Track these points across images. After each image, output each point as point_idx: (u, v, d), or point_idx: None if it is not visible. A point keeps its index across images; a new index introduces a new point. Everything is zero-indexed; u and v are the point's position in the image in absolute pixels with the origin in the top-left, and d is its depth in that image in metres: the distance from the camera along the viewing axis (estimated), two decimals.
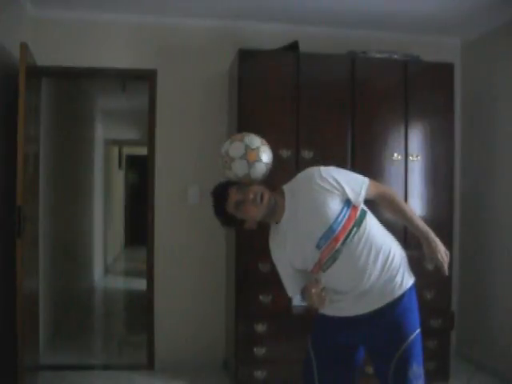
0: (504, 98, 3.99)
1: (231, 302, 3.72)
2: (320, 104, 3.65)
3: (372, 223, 2.17)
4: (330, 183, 2.09)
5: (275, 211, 2.15)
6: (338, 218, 2.07)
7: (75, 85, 5.75)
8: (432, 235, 2.10)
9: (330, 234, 2.07)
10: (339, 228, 2.07)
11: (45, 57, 3.76)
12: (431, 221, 2.25)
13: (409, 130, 3.73)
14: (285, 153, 3.57)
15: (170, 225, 4.09)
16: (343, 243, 2.08)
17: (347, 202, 2.11)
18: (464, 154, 4.41)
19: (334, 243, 2.07)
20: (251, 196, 2.09)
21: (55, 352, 4.35)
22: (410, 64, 3.78)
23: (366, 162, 3.68)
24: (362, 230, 2.10)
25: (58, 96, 4.95)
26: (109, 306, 6.83)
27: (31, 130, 3.46)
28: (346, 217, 2.08)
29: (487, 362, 4.05)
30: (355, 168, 3.64)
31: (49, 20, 3.91)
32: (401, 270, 2.14)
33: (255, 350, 3.53)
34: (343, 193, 2.09)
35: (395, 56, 3.82)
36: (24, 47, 3.23)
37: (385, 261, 2.11)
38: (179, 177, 4.11)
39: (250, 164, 2.12)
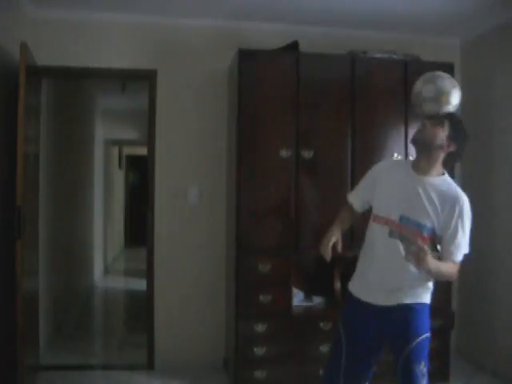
0: (504, 97, 3.99)
1: (231, 302, 3.72)
2: (320, 104, 3.65)
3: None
4: (455, 219, 2.21)
5: (424, 161, 2.28)
6: (422, 224, 2.22)
7: (75, 85, 5.75)
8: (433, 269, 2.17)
9: (407, 223, 2.23)
10: (412, 228, 2.22)
11: (45, 57, 3.76)
12: None
13: (409, 130, 3.73)
14: (285, 153, 3.58)
15: (170, 225, 4.09)
16: (401, 237, 2.23)
17: (433, 230, 2.23)
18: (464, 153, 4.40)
19: (399, 229, 2.24)
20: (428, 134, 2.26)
21: (55, 352, 4.35)
22: (409, 64, 3.78)
23: (366, 162, 3.64)
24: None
25: (58, 96, 4.95)
26: (109, 306, 6.83)
27: (31, 130, 3.46)
28: (424, 234, 2.22)
29: (487, 362, 4.05)
30: (355, 168, 3.66)
31: (49, 20, 3.91)
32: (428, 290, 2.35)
33: (255, 349, 3.53)
34: (442, 229, 2.21)
35: (395, 56, 3.82)
36: (24, 47, 3.23)
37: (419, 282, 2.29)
38: (179, 177, 4.11)
39: (440, 105, 2.25)
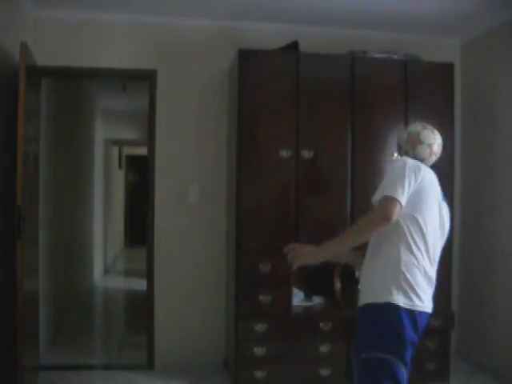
0: (504, 97, 3.99)
1: (231, 302, 3.72)
2: (320, 104, 3.65)
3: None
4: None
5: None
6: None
7: (75, 85, 5.75)
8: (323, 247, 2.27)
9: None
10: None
11: (45, 57, 3.76)
12: None
13: None
14: (285, 153, 3.58)
15: (169, 225, 4.09)
16: None
17: None
18: (464, 153, 4.41)
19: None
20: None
21: (55, 352, 4.35)
22: (409, 64, 3.78)
23: (366, 162, 3.68)
24: None
25: (58, 96, 4.95)
26: (109, 306, 6.84)
27: (31, 130, 3.46)
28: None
29: (487, 362, 4.05)
30: (355, 168, 3.66)
31: (49, 20, 3.91)
32: (389, 282, 2.14)
33: (255, 349, 3.53)
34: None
35: (395, 56, 3.82)
36: (24, 47, 3.23)
37: (379, 258, 2.20)
38: (179, 177, 4.11)
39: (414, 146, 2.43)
